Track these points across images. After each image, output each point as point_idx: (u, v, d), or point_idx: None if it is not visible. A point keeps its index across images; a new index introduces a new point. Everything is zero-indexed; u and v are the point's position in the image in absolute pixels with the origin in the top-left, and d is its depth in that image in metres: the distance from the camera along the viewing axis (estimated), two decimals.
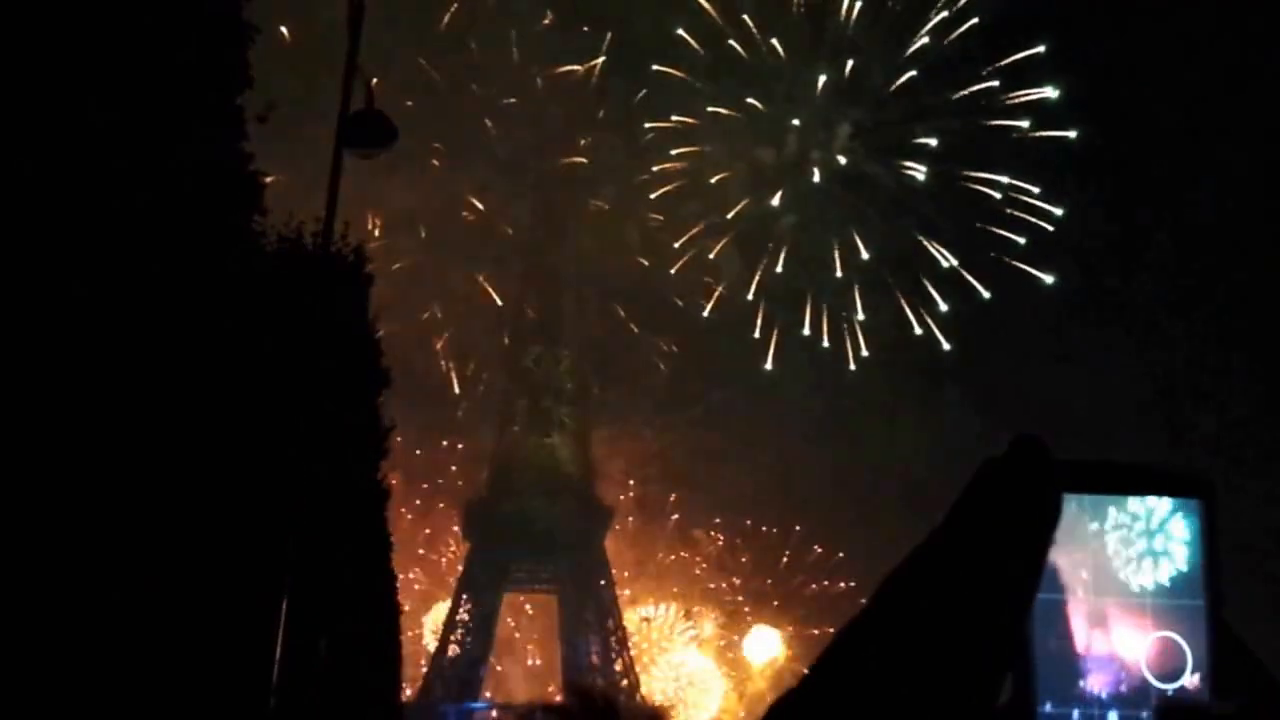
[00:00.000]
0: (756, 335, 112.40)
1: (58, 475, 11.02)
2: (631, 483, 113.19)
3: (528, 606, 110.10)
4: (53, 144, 10.78)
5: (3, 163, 10.25)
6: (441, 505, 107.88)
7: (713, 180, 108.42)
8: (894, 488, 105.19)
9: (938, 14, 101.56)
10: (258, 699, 13.89)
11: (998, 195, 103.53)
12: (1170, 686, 1.26)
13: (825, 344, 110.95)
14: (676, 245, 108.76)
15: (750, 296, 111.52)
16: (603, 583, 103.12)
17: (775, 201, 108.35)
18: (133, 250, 11.80)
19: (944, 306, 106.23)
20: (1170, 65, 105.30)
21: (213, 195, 13.79)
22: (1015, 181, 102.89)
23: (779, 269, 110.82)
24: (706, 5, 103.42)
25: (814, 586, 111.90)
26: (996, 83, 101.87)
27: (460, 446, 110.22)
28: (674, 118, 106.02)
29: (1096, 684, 1.26)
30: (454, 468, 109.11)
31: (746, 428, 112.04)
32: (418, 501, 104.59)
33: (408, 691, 68.62)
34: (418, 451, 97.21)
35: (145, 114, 12.10)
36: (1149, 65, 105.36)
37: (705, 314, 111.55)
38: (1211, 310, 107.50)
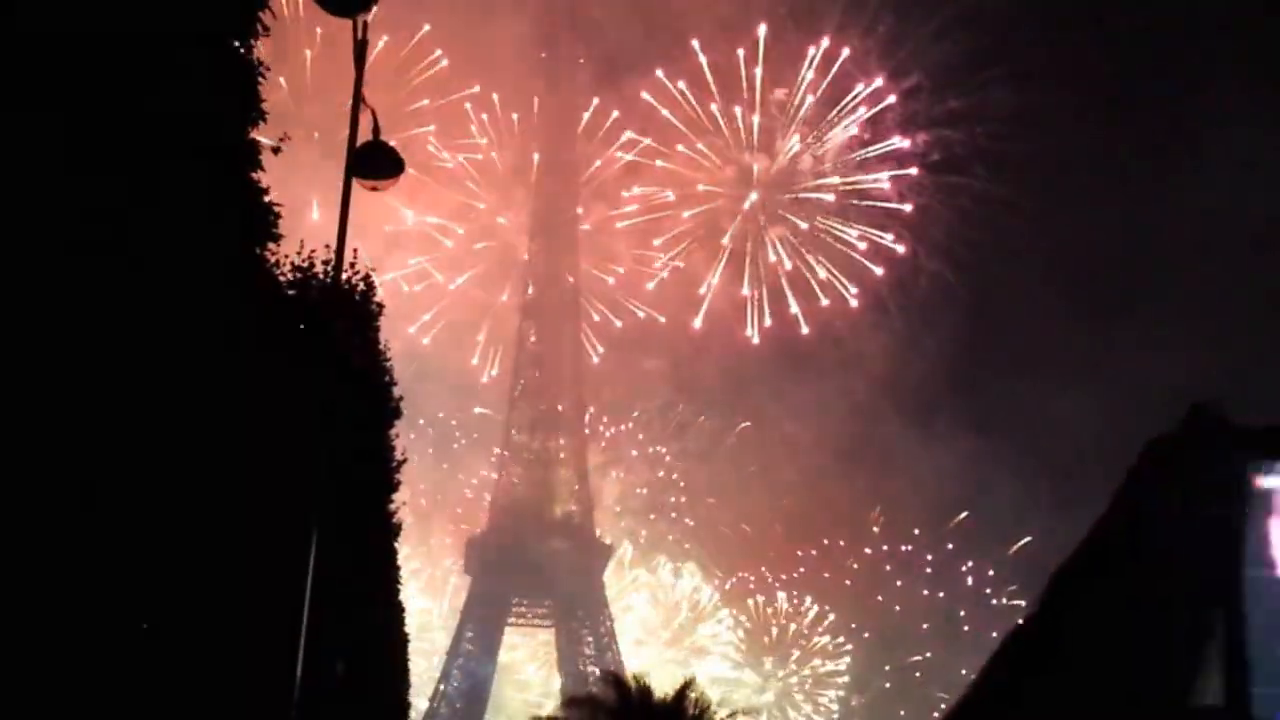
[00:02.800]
0: (745, 356, 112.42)
1: (77, 493, 11.12)
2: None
3: (538, 636, 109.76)
4: (64, 173, 10.91)
5: (13, 183, 10.40)
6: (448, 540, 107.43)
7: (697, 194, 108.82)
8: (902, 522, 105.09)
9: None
10: (280, 715, 13.97)
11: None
12: None
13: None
14: (660, 265, 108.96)
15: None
16: (600, 617, 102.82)
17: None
18: (145, 279, 11.91)
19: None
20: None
21: (228, 226, 13.93)
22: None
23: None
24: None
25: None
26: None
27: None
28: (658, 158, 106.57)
29: None
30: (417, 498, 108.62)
31: (737, 456, 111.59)
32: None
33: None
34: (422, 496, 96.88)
35: (158, 148, 12.25)
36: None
37: (695, 328, 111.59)
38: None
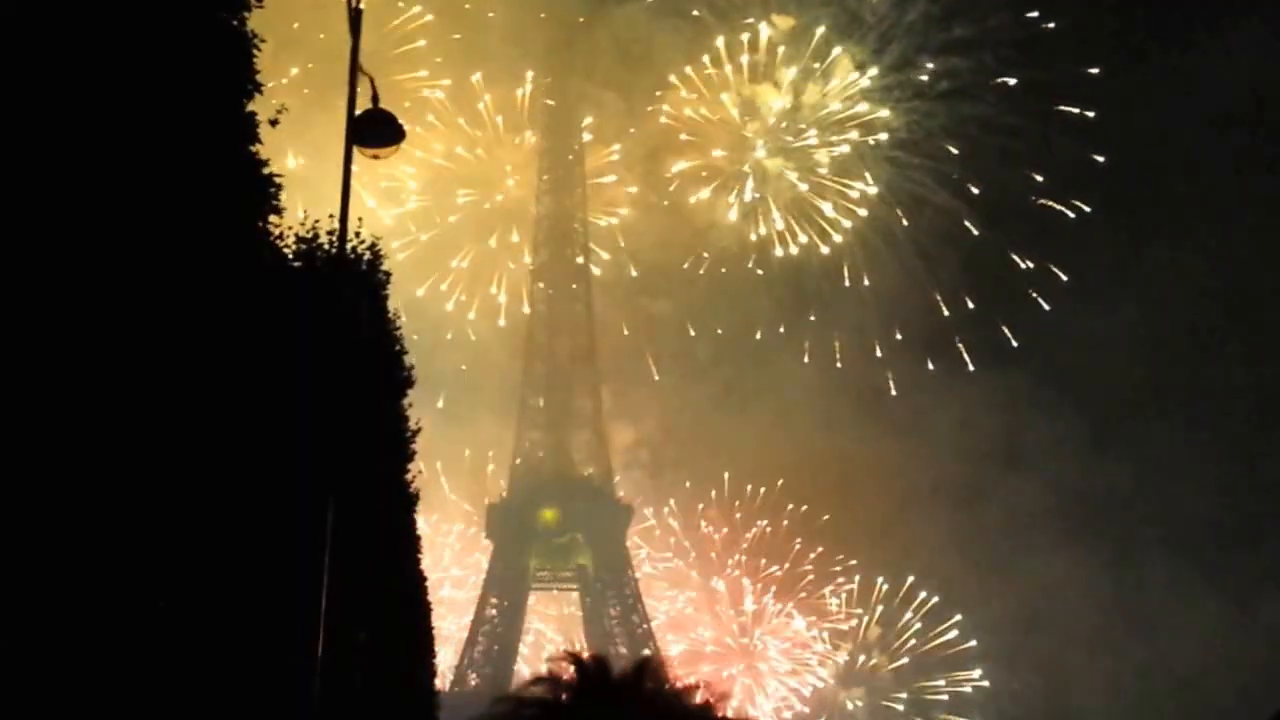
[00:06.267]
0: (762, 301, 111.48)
1: (95, 480, 11.11)
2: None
3: (559, 605, 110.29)
4: (62, 151, 10.85)
5: (12, 168, 10.34)
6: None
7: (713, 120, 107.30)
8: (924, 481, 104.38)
9: None
10: (303, 688, 14.06)
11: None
12: None
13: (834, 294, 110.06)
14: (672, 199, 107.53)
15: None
16: (625, 579, 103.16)
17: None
18: (146, 256, 11.87)
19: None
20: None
21: (227, 200, 13.88)
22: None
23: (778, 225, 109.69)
24: None
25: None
26: None
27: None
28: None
29: None
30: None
31: (752, 404, 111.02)
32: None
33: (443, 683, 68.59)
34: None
35: (154, 122, 12.17)
36: None
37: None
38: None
